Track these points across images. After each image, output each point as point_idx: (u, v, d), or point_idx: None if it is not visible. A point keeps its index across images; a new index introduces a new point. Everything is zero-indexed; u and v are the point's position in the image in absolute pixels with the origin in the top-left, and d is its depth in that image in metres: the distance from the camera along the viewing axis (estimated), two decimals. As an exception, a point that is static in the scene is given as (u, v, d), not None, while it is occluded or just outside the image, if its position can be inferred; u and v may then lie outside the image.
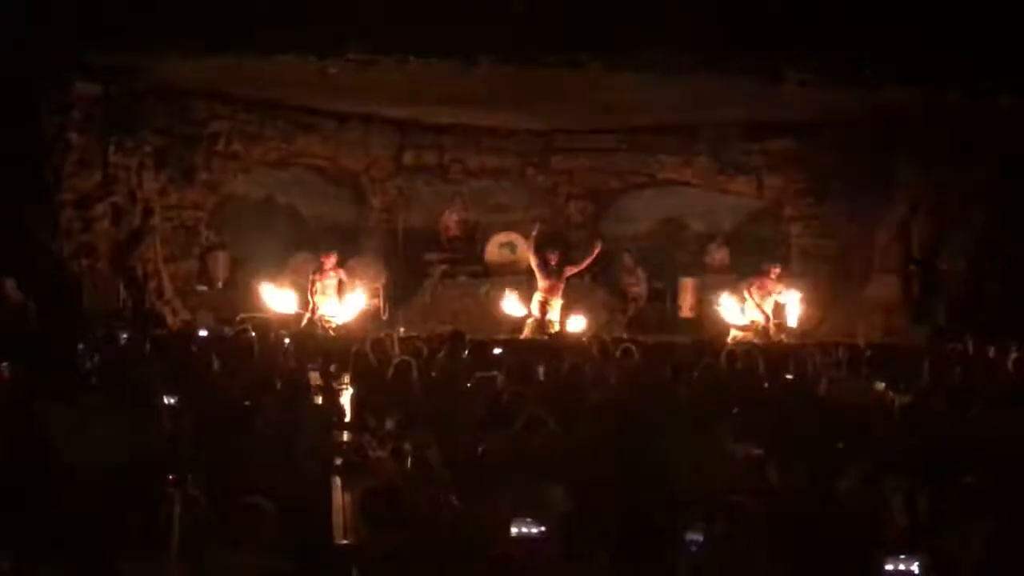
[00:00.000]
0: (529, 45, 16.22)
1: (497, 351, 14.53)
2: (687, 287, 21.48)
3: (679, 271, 21.99)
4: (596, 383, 11.56)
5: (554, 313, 18.97)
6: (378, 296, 20.37)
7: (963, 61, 16.73)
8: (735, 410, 10.76)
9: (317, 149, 21.56)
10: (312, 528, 7.03)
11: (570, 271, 19.23)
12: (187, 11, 15.66)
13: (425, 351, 13.63)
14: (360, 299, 19.32)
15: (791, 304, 19.40)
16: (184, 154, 19.67)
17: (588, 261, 19.45)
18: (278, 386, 10.94)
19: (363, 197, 22.58)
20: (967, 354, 14.37)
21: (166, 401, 9.55)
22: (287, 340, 15.41)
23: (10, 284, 16.35)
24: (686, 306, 21.36)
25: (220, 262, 20.67)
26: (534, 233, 19.53)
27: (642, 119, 21.19)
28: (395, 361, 11.85)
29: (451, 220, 22.12)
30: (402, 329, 16.94)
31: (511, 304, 19.57)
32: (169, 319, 18.24)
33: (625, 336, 16.76)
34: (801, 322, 19.33)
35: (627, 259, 21.77)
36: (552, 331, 18.54)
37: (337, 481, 8.15)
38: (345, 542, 6.77)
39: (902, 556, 5.48)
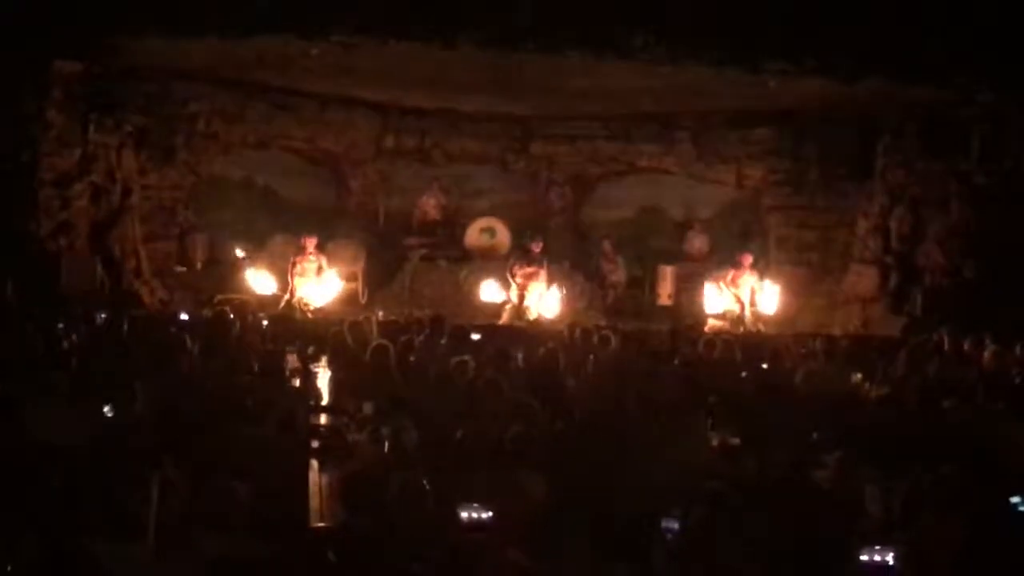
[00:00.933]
0: (510, 30, 16.30)
1: (475, 336, 14.54)
2: (665, 275, 21.56)
3: (658, 259, 22.03)
4: (572, 368, 11.65)
5: (533, 300, 19.18)
6: (356, 280, 20.52)
7: (941, 56, 16.89)
8: (712, 399, 10.75)
9: (297, 131, 21.69)
10: (287, 511, 6.89)
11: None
12: None
13: (404, 336, 13.55)
14: (338, 282, 19.52)
15: (768, 293, 19.64)
16: (164, 134, 19.78)
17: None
18: (255, 368, 11.07)
19: (342, 180, 22.78)
20: (944, 346, 14.46)
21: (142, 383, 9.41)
22: (265, 322, 15.55)
23: None
24: (664, 294, 21.43)
25: (198, 243, 20.72)
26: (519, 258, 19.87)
27: (622, 107, 21.25)
28: (373, 345, 11.91)
29: (430, 204, 22.25)
30: (381, 313, 16.95)
31: (490, 290, 19.81)
32: (147, 299, 18.32)
33: (603, 323, 16.82)
34: (778, 312, 19.57)
35: (606, 246, 21.84)
36: (529, 317, 18.78)
37: (314, 464, 8.10)
38: (321, 525, 6.74)
39: (877, 547, 5.56)
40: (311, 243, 19.22)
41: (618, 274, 21.60)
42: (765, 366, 13.08)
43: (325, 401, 11.04)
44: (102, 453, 7.26)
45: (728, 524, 5.94)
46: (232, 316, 14.79)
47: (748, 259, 19.83)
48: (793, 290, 20.15)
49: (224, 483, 6.39)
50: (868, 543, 5.63)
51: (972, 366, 13.10)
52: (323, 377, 12.03)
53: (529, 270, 19.36)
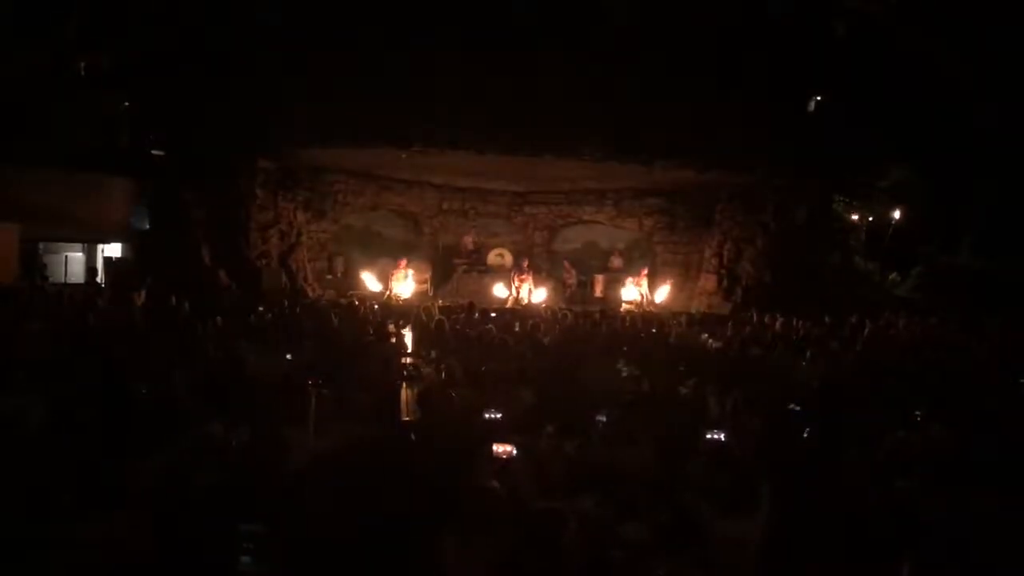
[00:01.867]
0: (515, 142, 16.09)
1: (493, 315, 14.59)
2: (598, 280, 21.21)
3: (594, 271, 21.60)
4: (547, 332, 11.57)
5: (525, 294, 19.16)
6: (426, 283, 20.32)
7: (756, 155, 16.90)
8: (624, 348, 10.70)
9: (394, 199, 21.39)
10: (390, 410, 6.66)
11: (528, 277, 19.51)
12: (320, 122, 15.51)
13: (453, 314, 13.62)
14: (415, 284, 19.46)
15: (656, 290, 19.81)
16: (319, 202, 19.80)
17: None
18: (371, 331, 11.23)
19: (419, 227, 22.09)
20: (753, 319, 14.50)
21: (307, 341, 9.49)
22: (376, 306, 15.62)
23: (222, 273, 16.63)
24: (598, 290, 21.00)
25: (339, 263, 20.44)
26: (517, 270, 19.73)
27: (575, 186, 20.89)
28: (436, 318, 12.03)
29: (468, 241, 21.83)
30: (440, 301, 16.88)
31: (500, 289, 19.71)
32: (310, 294, 18.11)
33: (564, 307, 16.85)
34: (662, 300, 19.65)
35: (566, 264, 21.59)
36: (522, 304, 18.68)
37: (403, 384, 7.83)
38: (407, 418, 6.52)
39: (715, 431, 5.43)
40: (402, 263, 19.36)
41: (572, 279, 21.19)
42: (654, 330, 13.17)
43: (409, 350, 10.94)
44: (288, 379, 7.11)
45: (632, 417, 6.00)
46: (357, 303, 15.00)
47: (645, 271, 19.95)
48: (670, 288, 20.12)
49: (354, 395, 6.47)
50: (709, 429, 5.51)
51: (769, 330, 13.23)
52: (407, 337, 11.90)
53: (523, 277, 19.41)
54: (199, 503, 3.91)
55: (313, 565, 3.73)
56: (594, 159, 16.71)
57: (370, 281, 19.47)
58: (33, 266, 15.47)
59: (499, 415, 5.51)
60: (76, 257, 18.44)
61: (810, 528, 4.33)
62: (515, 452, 4.69)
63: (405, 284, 19.06)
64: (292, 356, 8.38)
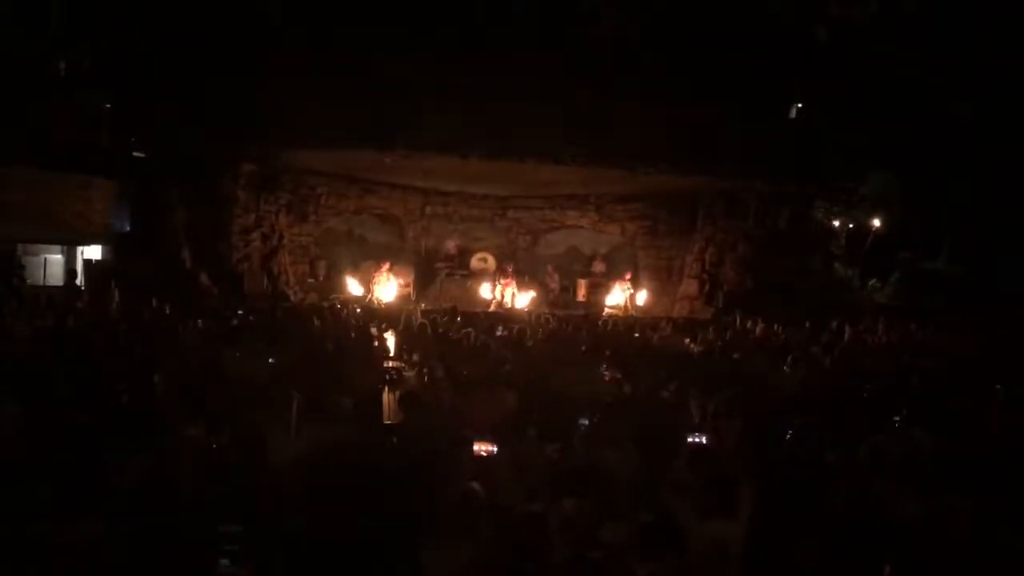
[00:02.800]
0: (497, 148, 16.22)
1: (475, 319, 14.40)
2: (581, 284, 21.36)
3: (577, 275, 21.78)
4: (530, 336, 11.63)
5: (508, 298, 19.19)
6: (409, 287, 20.35)
7: (738, 161, 17.03)
8: (607, 352, 10.71)
9: (377, 203, 21.39)
10: (372, 413, 6.55)
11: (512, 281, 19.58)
12: (303, 125, 15.48)
13: (435, 317, 13.46)
14: (398, 288, 19.45)
15: (639, 295, 19.91)
16: (302, 205, 19.80)
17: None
18: (352, 335, 11.08)
19: (403, 231, 22.09)
20: (735, 324, 14.65)
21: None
22: (358, 309, 15.60)
23: (203, 276, 16.66)
24: (580, 294, 21.14)
25: (321, 266, 20.44)
26: (500, 274, 19.85)
27: (558, 190, 21.05)
28: (418, 322, 12.05)
29: (451, 244, 21.86)
30: (423, 305, 17.03)
31: (485, 291, 19.79)
32: (292, 298, 18.21)
33: (547, 311, 16.92)
34: (644, 304, 19.76)
35: (549, 268, 21.69)
36: (505, 308, 18.72)
37: (385, 388, 7.79)
38: (389, 422, 6.55)
39: (696, 434, 5.56)
40: (384, 266, 19.33)
41: (555, 284, 21.30)
42: (637, 334, 13.24)
43: (391, 353, 10.90)
44: (269, 382, 7.07)
45: (613, 421, 6.08)
46: (340, 307, 15.00)
47: (628, 275, 20.14)
48: (652, 292, 20.31)
49: (335, 398, 6.39)
50: (690, 432, 5.64)
51: (750, 334, 13.37)
52: (390, 340, 11.85)
53: (506, 281, 19.47)
54: (178, 505, 3.90)
55: (292, 568, 3.71)
56: (577, 164, 16.80)
57: (352, 285, 19.48)
58: (9, 267, 15.25)
59: (494, 449, 5.29)
60: (55, 259, 18.23)
61: (790, 531, 4.32)
62: (495, 450, 4.67)
63: (387, 288, 19.04)
64: (273, 359, 8.35)
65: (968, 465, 5.08)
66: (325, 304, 15.89)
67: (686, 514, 4.30)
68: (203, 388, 6.55)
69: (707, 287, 19.49)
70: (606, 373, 9.18)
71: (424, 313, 14.02)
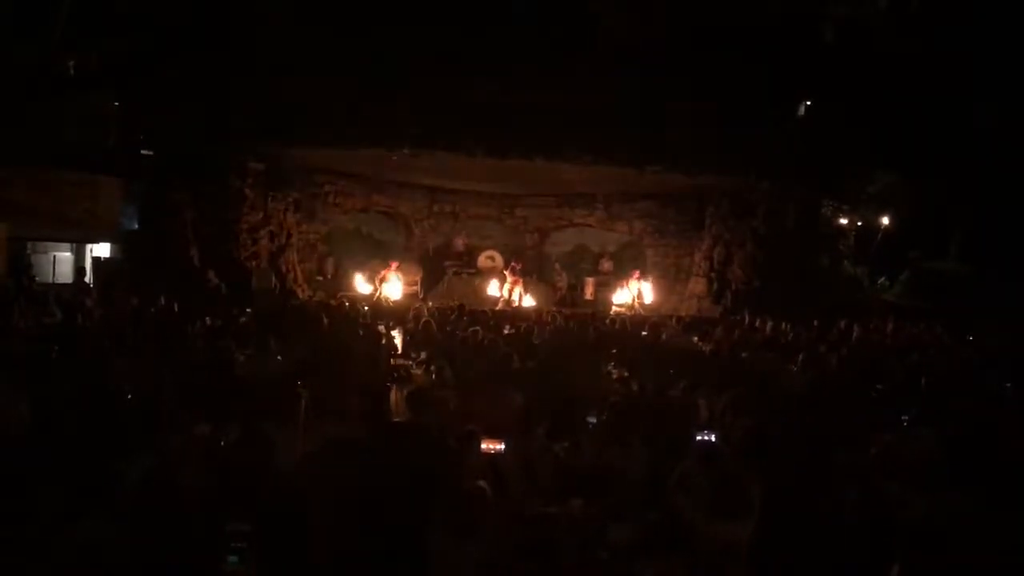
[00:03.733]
0: (505, 145, 16.19)
1: (482, 317, 14.20)
2: (589, 283, 21.34)
3: (584, 273, 21.80)
4: (537, 334, 11.63)
5: (516, 296, 19.23)
6: (416, 284, 20.38)
7: (745, 158, 16.96)
8: (614, 350, 10.83)
9: (384, 201, 21.45)
10: (379, 411, 6.32)
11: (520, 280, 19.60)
12: (311, 124, 15.62)
13: (443, 315, 13.61)
14: (405, 286, 19.53)
15: (647, 292, 19.92)
16: (309, 203, 19.81)
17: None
18: (360, 332, 11.18)
19: (409, 229, 22.23)
20: (743, 323, 14.63)
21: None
22: (366, 307, 15.62)
23: (211, 274, 16.64)
24: (588, 293, 21.13)
25: (329, 264, 20.51)
26: (508, 272, 19.75)
27: (566, 189, 20.98)
28: (425, 320, 12.09)
29: (459, 243, 21.94)
30: (430, 303, 17.20)
31: (492, 289, 19.83)
32: (300, 295, 18.26)
33: (554, 309, 17.04)
34: (652, 302, 19.78)
35: (556, 266, 21.83)
36: (513, 306, 18.76)
37: (393, 385, 7.62)
38: (397, 420, 6.40)
39: (705, 432, 5.51)
40: (392, 265, 19.43)
41: (563, 282, 21.40)
42: (644, 332, 13.21)
43: (399, 351, 10.93)
44: (277, 379, 7.06)
45: (621, 420, 5.96)
46: (347, 304, 14.94)
47: (636, 273, 20.13)
48: (660, 291, 20.34)
49: (343, 395, 6.31)
50: (699, 430, 5.59)
51: (758, 333, 13.31)
52: (397, 338, 11.87)
53: (514, 279, 19.47)
54: (185, 503, 3.89)
55: (300, 566, 3.70)
56: (585, 162, 16.77)
57: (360, 282, 19.53)
58: (20, 265, 15.32)
59: (501, 447, 5.24)
60: (64, 257, 18.31)
61: (798, 531, 4.31)
62: (503, 448, 4.67)
63: (395, 286, 19.11)
64: (281, 357, 8.36)
65: (976, 465, 5.03)
66: (333, 302, 15.59)
67: (694, 513, 4.29)
68: (211, 386, 6.54)
69: (715, 286, 19.46)
70: (614, 372, 9.15)
71: (432, 311, 14.11)
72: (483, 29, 15.18)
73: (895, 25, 17.68)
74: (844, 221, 20.77)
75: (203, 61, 15.29)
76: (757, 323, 14.18)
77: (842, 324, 13.90)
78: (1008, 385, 8.64)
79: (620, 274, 20.84)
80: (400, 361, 9.73)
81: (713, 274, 19.62)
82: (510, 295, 19.21)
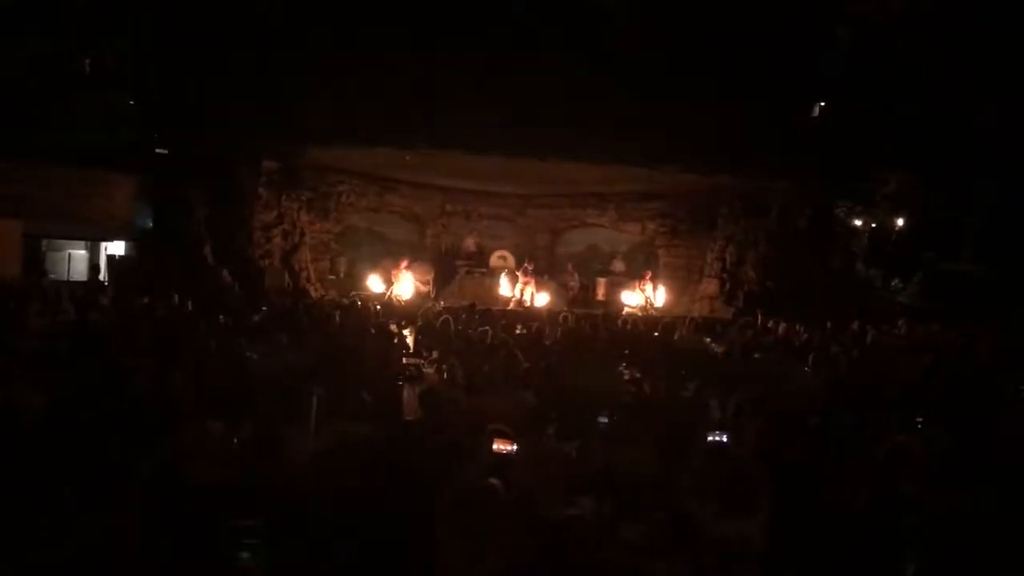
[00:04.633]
0: (518, 145, 16.26)
1: (494, 316, 14.49)
2: (600, 283, 21.37)
3: (596, 274, 21.83)
4: (549, 335, 11.71)
5: (527, 296, 19.33)
6: (428, 284, 20.44)
7: (758, 160, 17.00)
8: (626, 351, 10.94)
9: (397, 201, 21.74)
10: (391, 409, 6.61)
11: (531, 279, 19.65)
12: (325, 123, 15.68)
13: (455, 315, 13.29)
14: (417, 285, 19.64)
15: (659, 293, 19.99)
16: (323, 202, 19.99)
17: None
18: (372, 331, 11.20)
19: (422, 229, 22.51)
20: (756, 324, 14.61)
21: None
22: (378, 306, 15.72)
23: (225, 272, 16.77)
24: (600, 293, 21.17)
25: (342, 263, 20.68)
26: (520, 272, 19.82)
27: (577, 189, 21.20)
28: (444, 317, 12.10)
29: (471, 242, 22.21)
30: (442, 302, 17.24)
31: (504, 288, 19.94)
32: (313, 294, 18.39)
33: (566, 309, 16.98)
34: (664, 303, 19.85)
35: (568, 267, 21.83)
36: (525, 306, 18.87)
37: (404, 384, 7.97)
38: (409, 418, 6.48)
39: (716, 432, 5.39)
40: (404, 263, 19.53)
41: (575, 282, 21.38)
42: (656, 333, 13.18)
43: (410, 350, 11.10)
44: (289, 378, 6.92)
45: (632, 419, 6.04)
46: (360, 303, 15.01)
47: (648, 274, 20.16)
48: (672, 292, 20.37)
49: (355, 394, 6.38)
50: (711, 431, 5.44)
51: (771, 334, 13.28)
52: (408, 337, 12.07)
53: (526, 279, 19.59)
54: (197, 499, 3.87)
55: (311, 562, 3.70)
56: (597, 162, 16.91)
57: (373, 282, 19.71)
58: (35, 263, 15.44)
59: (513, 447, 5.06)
60: (79, 255, 18.43)
61: (811, 531, 4.20)
62: (515, 448, 4.68)
63: (407, 285, 19.26)
64: (294, 355, 8.37)
65: (991, 465, 5.04)
66: (345, 301, 15.94)
67: (706, 514, 4.19)
68: (224, 384, 6.57)
69: (727, 286, 19.55)
70: (625, 372, 9.15)
71: (444, 310, 14.05)
72: (498, 29, 15.31)
73: (911, 25, 17.60)
74: (858, 222, 20.73)
75: (218, 60, 15.43)
76: (770, 324, 14.16)
77: (855, 325, 13.83)
78: (1022, 386, 8.55)
79: (632, 275, 20.92)
80: (412, 360, 9.81)
81: (725, 275, 19.74)
82: (521, 295, 19.33)
